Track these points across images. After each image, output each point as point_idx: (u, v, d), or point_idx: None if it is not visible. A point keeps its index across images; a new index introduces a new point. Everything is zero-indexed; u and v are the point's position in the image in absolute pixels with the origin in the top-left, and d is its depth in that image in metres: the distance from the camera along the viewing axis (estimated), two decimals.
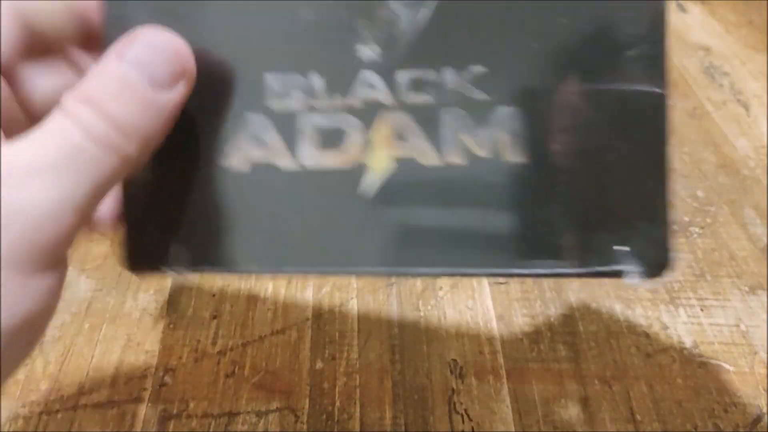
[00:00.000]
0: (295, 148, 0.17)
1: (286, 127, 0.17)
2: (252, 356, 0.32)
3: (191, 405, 0.30)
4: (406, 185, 0.17)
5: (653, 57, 0.17)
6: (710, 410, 0.30)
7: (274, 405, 0.30)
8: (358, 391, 0.31)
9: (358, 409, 0.30)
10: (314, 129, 0.17)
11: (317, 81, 0.17)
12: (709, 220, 0.39)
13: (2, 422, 0.29)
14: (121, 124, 0.14)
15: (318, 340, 0.33)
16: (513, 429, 0.29)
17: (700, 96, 0.48)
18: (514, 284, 0.35)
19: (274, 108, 0.17)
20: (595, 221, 0.17)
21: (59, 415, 0.30)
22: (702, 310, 0.34)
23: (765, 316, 0.34)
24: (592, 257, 0.17)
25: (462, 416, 0.30)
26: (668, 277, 0.17)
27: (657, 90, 0.17)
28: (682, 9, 0.57)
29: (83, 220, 0.14)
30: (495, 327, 0.33)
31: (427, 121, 0.17)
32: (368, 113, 0.17)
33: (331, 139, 0.17)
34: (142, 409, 0.30)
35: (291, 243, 0.18)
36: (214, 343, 0.33)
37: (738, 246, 0.38)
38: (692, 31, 0.54)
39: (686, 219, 0.39)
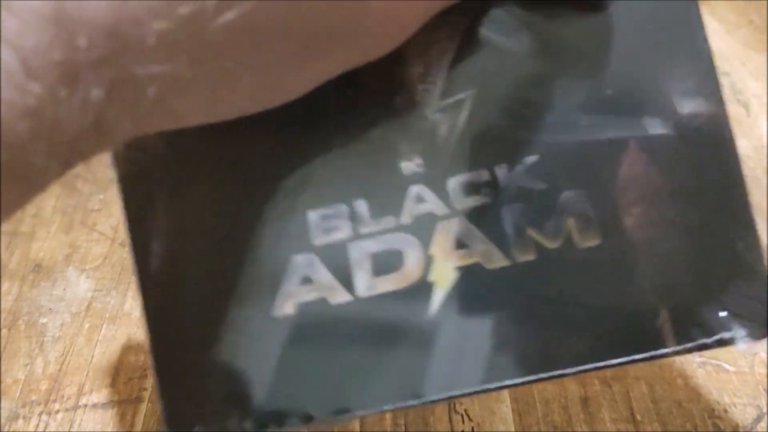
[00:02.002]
0: (347, 281, 0.16)
1: (336, 260, 0.16)
2: None
3: None
4: (474, 294, 0.16)
5: (714, 111, 0.16)
6: (710, 410, 0.30)
7: None
8: None
9: None
10: (366, 256, 0.16)
11: (363, 207, 0.16)
12: None
13: (2, 422, 0.29)
14: None
15: None
16: (513, 429, 0.29)
17: None
18: None
19: (321, 244, 0.16)
20: (688, 292, 0.16)
21: (59, 415, 0.30)
22: None
23: None
24: (694, 330, 0.16)
25: (462, 416, 0.30)
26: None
27: (726, 137, 0.16)
28: None
29: None
30: None
31: (488, 222, 0.16)
32: (423, 228, 0.16)
33: (387, 262, 0.16)
34: (142, 409, 0.30)
35: (352, 383, 0.16)
36: None
37: None
38: None
39: None
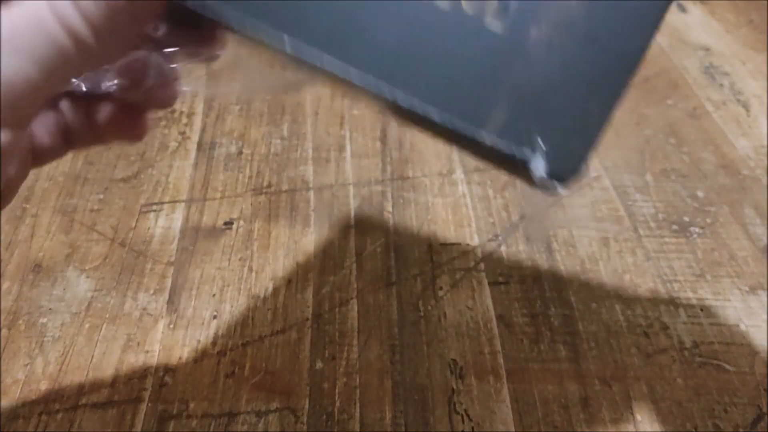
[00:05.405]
0: None
1: None
2: (252, 356, 0.32)
3: (191, 405, 0.30)
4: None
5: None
6: (710, 410, 0.30)
7: (274, 405, 0.30)
8: (358, 391, 0.31)
9: (358, 409, 0.30)
10: None
11: None
12: (709, 220, 0.39)
13: (2, 422, 0.29)
14: (85, 9, 0.15)
15: (318, 340, 0.33)
16: (513, 429, 0.29)
17: (700, 96, 0.48)
18: (514, 284, 0.35)
19: None
20: (530, 108, 0.19)
21: (59, 415, 0.30)
22: (702, 310, 0.34)
23: (765, 316, 0.34)
24: (510, 135, 0.19)
25: (462, 416, 0.30)
26: (569, 187, 0.19)
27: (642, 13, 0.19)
28: (682, 9, 0.57)
29: (36, 94, 0.16)
30: (495, 327, 0.33)
31: None
32: None
33: None
34: (142, 409, 0.30)
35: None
36: (214, 343, 0.33)
37: (738, 246, 0.38)
38: (692, 31, 0.54)
39: (686, 219, 0.39)
